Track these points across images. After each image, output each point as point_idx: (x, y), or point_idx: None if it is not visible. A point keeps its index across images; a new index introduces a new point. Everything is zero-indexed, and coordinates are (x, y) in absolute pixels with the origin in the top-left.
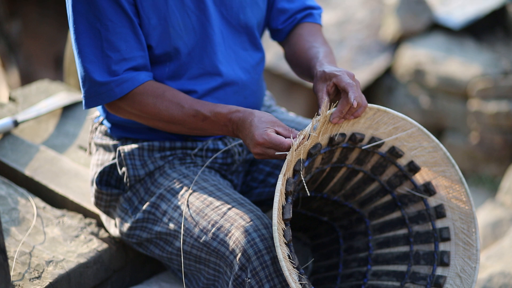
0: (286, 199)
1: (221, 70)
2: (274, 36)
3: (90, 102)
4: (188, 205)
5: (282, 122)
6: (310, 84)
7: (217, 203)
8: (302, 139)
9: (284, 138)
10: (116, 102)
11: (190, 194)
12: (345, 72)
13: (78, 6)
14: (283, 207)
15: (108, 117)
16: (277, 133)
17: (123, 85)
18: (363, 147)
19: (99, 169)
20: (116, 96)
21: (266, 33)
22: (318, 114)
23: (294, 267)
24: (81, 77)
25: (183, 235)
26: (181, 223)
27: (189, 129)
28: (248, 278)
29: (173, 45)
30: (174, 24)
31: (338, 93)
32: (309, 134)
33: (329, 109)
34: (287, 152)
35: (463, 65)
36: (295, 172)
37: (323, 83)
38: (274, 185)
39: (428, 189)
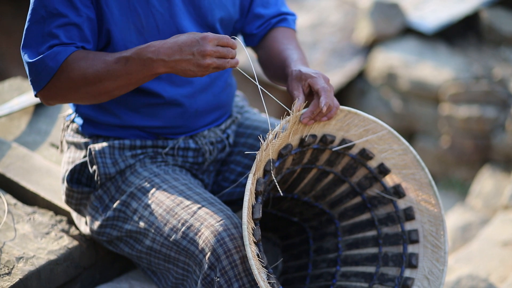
0: (256, 199)
1: None
2: (248, 41)
3: (35, 85)
4: (158, 204)
5: None
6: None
7: (188, 202)
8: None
9: None
10: (51, 81)
11: (161, 192)
12: (321, 75)
13: None
14: (253, 207)
15: (78, 110)
16: None
17: (56, 57)
18: (334, 149)
19: (70, 167)
20: (53, 70)
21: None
22: (288, 115)
23: (263, 266)
24: (24, 63)
25: (152, 233)
26: (151, 222)
27: (116, 81)
28: (217, 277)
29: (134, 43)
30: (136, 22)
31: (311, 94)
32: (277, 133)
33: (302, 109)
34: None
35: (435, 69)
36: (266, 172)
37: (298, 82)
38: (245, 185)
39: (398, 191)
